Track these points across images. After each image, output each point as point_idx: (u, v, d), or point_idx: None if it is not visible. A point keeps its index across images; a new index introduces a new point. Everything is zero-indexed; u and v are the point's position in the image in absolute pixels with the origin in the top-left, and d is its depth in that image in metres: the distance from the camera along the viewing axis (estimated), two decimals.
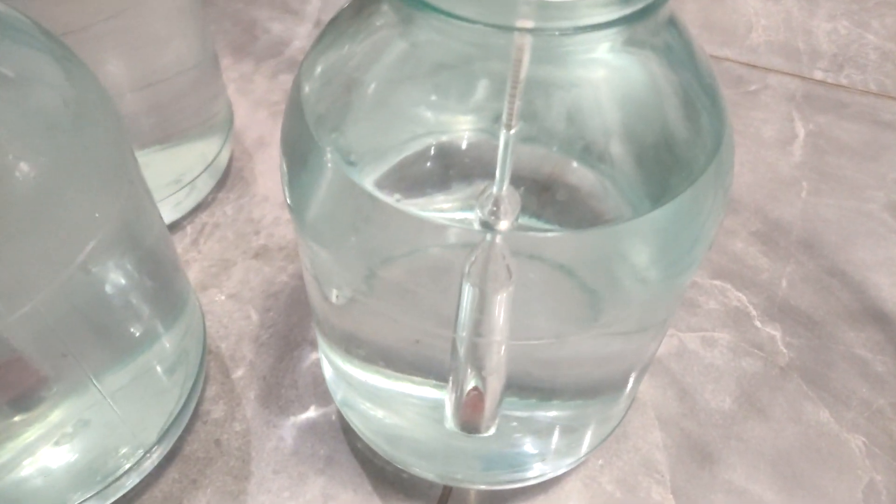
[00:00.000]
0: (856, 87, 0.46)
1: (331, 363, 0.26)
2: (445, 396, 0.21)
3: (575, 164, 0.19)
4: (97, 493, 0.25)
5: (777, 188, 0.39)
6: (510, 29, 0.15)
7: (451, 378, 0.21)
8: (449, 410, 0.22)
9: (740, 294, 0.34)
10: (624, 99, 0.17)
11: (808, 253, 0.36)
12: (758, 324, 0.33)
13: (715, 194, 0.18)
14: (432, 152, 0.18)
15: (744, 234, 0.37)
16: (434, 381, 0.22)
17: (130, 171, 0.22)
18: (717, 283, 0.35)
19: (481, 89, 0.18)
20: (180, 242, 0.35)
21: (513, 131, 0.16)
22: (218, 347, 0.31)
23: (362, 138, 0.19)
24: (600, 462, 0.28)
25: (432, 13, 0.15)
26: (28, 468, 0.23)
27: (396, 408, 0.24)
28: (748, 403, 0.30)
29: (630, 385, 0.24)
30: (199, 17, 0.33)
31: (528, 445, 0.24)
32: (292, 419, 0.29)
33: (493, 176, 0.16)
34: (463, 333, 0.19)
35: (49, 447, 0.23)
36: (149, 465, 0.26)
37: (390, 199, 0.18)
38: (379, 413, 0.25)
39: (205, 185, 0.37)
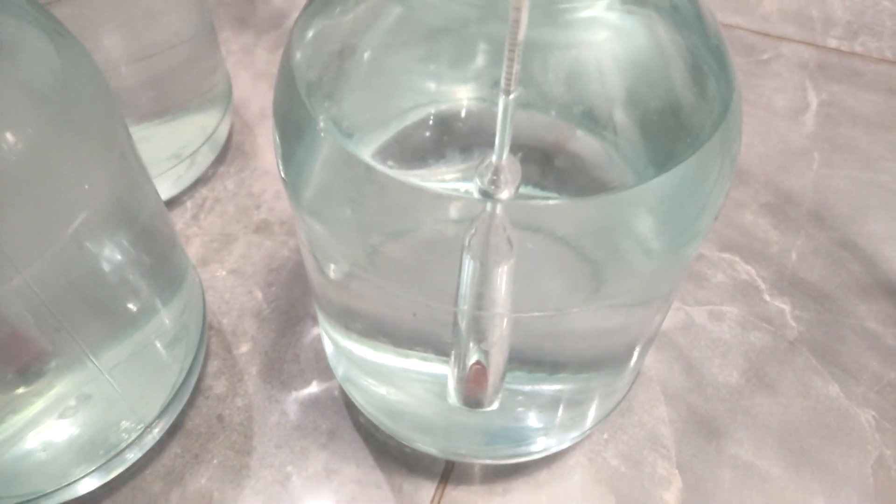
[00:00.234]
0: (871, 56, 0.44)
1: (331, 339, 0.25)
2: (448, 371, 0.21)
3: (577, 131, 0.18)
4: (100, 467, 0.25)
5: (788, 159, 0.38)
6: None
7: (453, 352, 0.20)
8: (451, 385, 0.21)
9: (749, 267, 0.34)
10: (626, 61, 0.17)
11: (818, 225, 0.35)
12: (767, 297, 0.32)
13: (722, 161, 0.18)
14: (430, 122, 0.18)
15: (753, 206, 0.36)
16: (435, 356, 0.22)
17: (122, 143, 0.22)
18: (726, 255, 0.34)
19: (479, 54, 0.17)
20: (181, 217, 0.35)
21: (512, 97, 0.15)
22: (220, 323, 0.31)
23: (357, 108, 0.18)
24: (605, 436, 0.28)
25: None
26: (32, 441, 0.23)
27: (397, 383, 0.24)
28: (756, 378, 0.30)
29: (635, 358, 0.23)
30: None
31: (532, 419, 0.24)
32: (294, 394, 0.29)
33: (493, 145, 0.16)
34: (464, 307, 0.18)
35: (53, 420, 0.23)
36: (150, 439, 0.26)
37: (387, 168, 0.17)
38: (380, 388, 0.24)
39: (205, 159, 0.36)
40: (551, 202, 0.17)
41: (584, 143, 0.18)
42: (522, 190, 0.17)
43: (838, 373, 0.30)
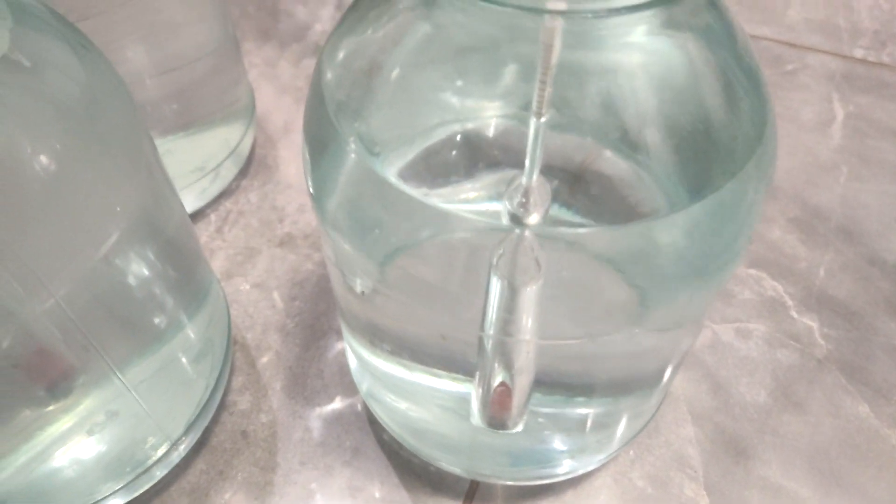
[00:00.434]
0: None
1: (355, 354, 0.25)
2: (472, 391, 0.21)
3: (609, 153, 0.18)
4: (127, 485, 0.25)
5: (816, 173, 0.38)
6: (540, 11, 0.14)
7: (477, 373, 0.20)
8: (475, 406, 0.21)
9: (776, 283, 0.33)
10: (662, 85, 0.16)
11: (847, 241, 0.35)
12: (794, 314, 0.32)
13: (758, 185, 0.17)
14: (458, 140, 0.18)
15: (781, 221, 0.36)
16: (460, 376, 0.22)
17: (148, 158, 0.22)
18: (753, 272, 0.34)
19: (509, 73, 0.17)
20: (205, 230, 0.35)
21: (543, 119, 0.15)
22: (244, 337, 0.31)
23: (385, 126, 0.18)
24: (631, 456, 0.27)
25: None
26: (61, 458, 0.23)
27: (421, 401, 0.24)
28: (784, 397, 0.29)
29: (665, 380, 0.23)
30: (218, 1, 0.33)
31: (558, 442, 0.23)
32: (318, 410, 0.29)
33: (521, 164, 0.16)
34: (490, 331, 0.18)
35: (81, 437, 0.23)
36: (176, 456, 0.26)
37: (415, 191, 0.17)
38: (404, 406, 0.24)
39: (228, 173, 0.37)
40: (582, 230, 0.17)
41: (616, 165, 0.18)
42: (552, 211, 0.17)
43: (868, 392, 0.29)
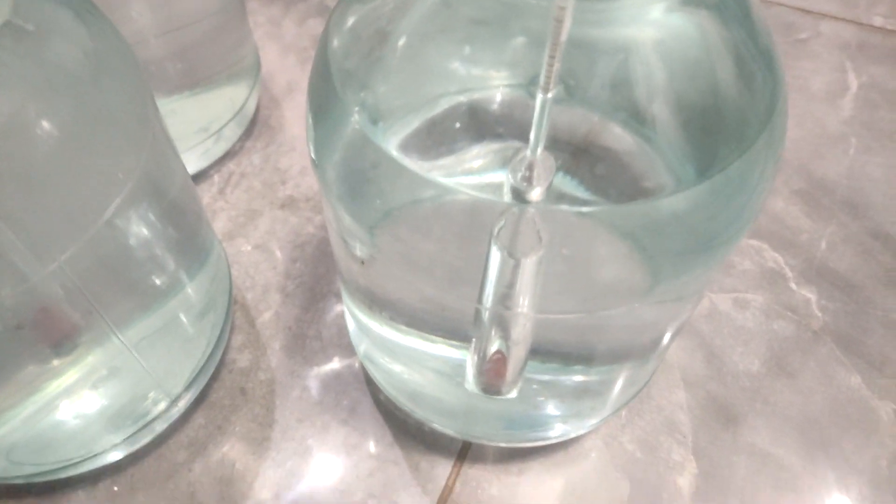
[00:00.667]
0: None
1: (354, 317, 0.26)
2: (467, 358, 0.21)
3: (616, 127, 0.18)
4: (128, 438, 0.25)
5: (823, 144, 0.37)
6: None
7: (473, 341, 0.20)
8: (470, 373, 0.21)
9: (777, 255, 0.33)
10: (674, 62, 0.16)
11: (851, 214, 0.34)
12: (793, 286, 0.32)
13: (766, 163, 0.17)
14: (463, 109, 0.18)
15: (785, 192, 0.35)
16: (456, 342, 0.22)
17: (152, 122, 0.22)
18: (754, 242, 0.34)
19: (518, 45, 0.17)
20: (208, 191, 0.35)
21: (550, 95, 0.15)
22: (244, 297, 0.31)
23: (390, 96, 0.18)
24: (622, 421, 0.28)
25: None
26: (65, 411, 0.23)
27: (417, 366, 0.24)
28: (777, 367, 0.29)
29: (660, 350, 0.23)
30: None
31: (551, 408, 0.24)
32: (316, 370, 0.29)
33: (526, 135, 0.16)
34: (488, 304, 0.18)
35: (86, 390, 0.23)
36: (176, 411, 0.26)
37: (417, 164, 0.17)
38: (399, 369, 0.25)
39: (232, 134, 0.37)
40: (586, 208, 0.17)
41: (621, 138, 0.18)
42: (556, 179, 0.17)
43: (862, 364, 0.29)
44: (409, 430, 0.27)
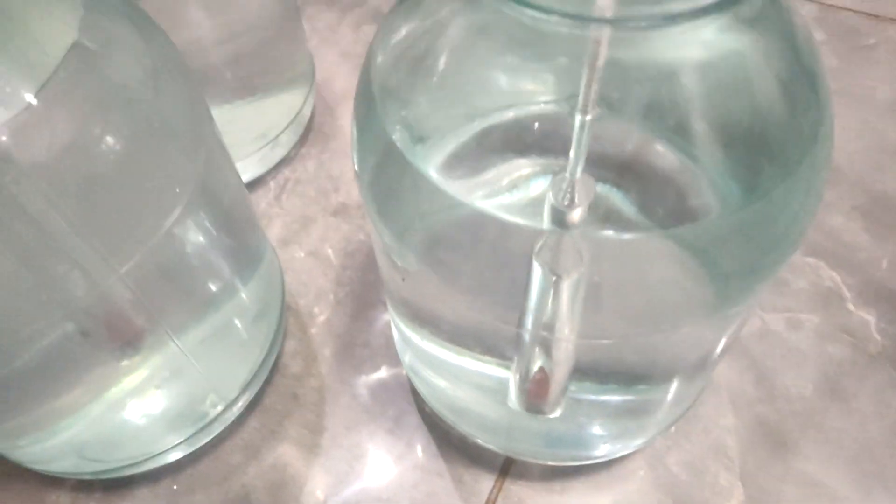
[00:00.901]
0: None
1: (398, 329, 0.26)
2: (510, 376, 0.22)
3: (661, 145, 0.18)
4: (188, 438, 0.27)
5: (885, 158, 0.36)
6: (585, 20, 0.14)
7: (515, 359, 0.21)
8: (513, 391, 0.22)
9: (834, 273, 0.32)
10: (720, 83, 0.16)
11: None
12: (850, 307, 0.31)
13: (809, 187, 0.17)
14: (505, 126, 0.18)
15: (844, 207, 0.34)
16: (498, 360, 0.22)
17: (207, 134, 0.23)
18: (810, 260, 0.33)
19: (559, 64, 0.17)
20: (264, 198, 0.36)
21: (589, 117, 0.15)
22: (297, 304, 0.32)
23: (431, 114, 0.18)
24: (668, 443, 0.28)
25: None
26: (132, 410, 0.25)
27: (459, 381, 0.24)
28: (831, 392, 0.29)
29: (706, 369, 0.23)
30: None
31: (595, 427, 0.24)
32: (364, 378, 0.30)
33: (567, 150, 0.16)
34: (530, 327, 0.18)
35: (152, 390, 0.25)
36: (231, 415, 0.28)
37: (458, 184, 0.18)
38: (442, 384, 0.25)
39: (288, 140, 0.37)
40: (627, 235, 0.17)
41: (666, 156, 0.18)
42: (599, 189, 0.17)
43: None
44: (452, 443, 0.28)
